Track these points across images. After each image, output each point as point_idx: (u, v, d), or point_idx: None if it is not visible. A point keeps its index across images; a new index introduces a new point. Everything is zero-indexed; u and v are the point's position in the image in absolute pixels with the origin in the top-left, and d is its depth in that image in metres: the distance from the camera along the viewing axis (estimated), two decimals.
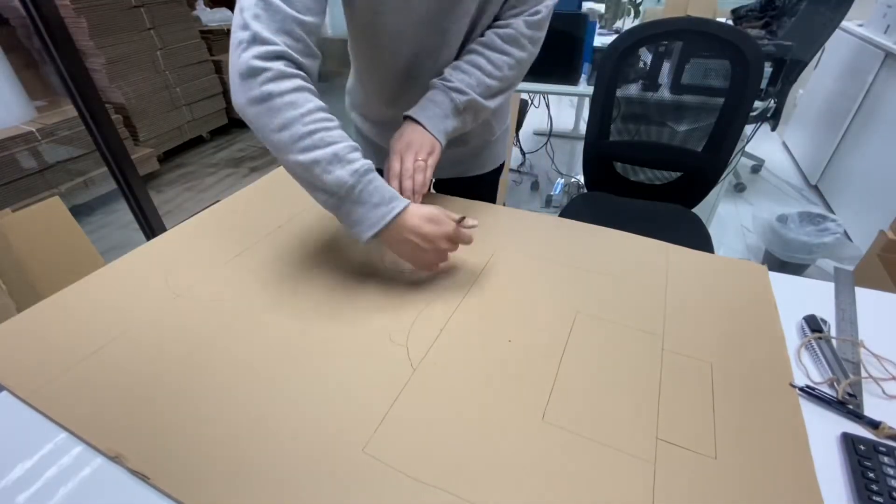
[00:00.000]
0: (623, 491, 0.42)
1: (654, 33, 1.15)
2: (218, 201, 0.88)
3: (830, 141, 2.35)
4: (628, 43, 1.13)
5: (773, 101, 1.96)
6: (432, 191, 0.97)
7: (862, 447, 0.45)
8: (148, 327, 0.59)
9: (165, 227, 1.58)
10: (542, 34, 0.74)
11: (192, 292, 0.65)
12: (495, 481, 0.42)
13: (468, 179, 0.97)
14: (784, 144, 3.01)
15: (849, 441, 0.46)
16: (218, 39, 3.14)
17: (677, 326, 0.60)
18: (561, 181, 2.48)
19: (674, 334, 0.59)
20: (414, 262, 0.65)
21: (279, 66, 0.55)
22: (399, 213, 0.58)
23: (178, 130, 2.99)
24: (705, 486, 0.42)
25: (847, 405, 0.49)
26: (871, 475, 0.42)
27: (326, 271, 0.69)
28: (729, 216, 2.29)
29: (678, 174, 1.23)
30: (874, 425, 0.47)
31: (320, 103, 0.57)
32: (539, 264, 0.71)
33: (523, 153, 2.78)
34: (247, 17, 0.54)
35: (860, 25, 2.36)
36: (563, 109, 3.64)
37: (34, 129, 2.19)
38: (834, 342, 0.57)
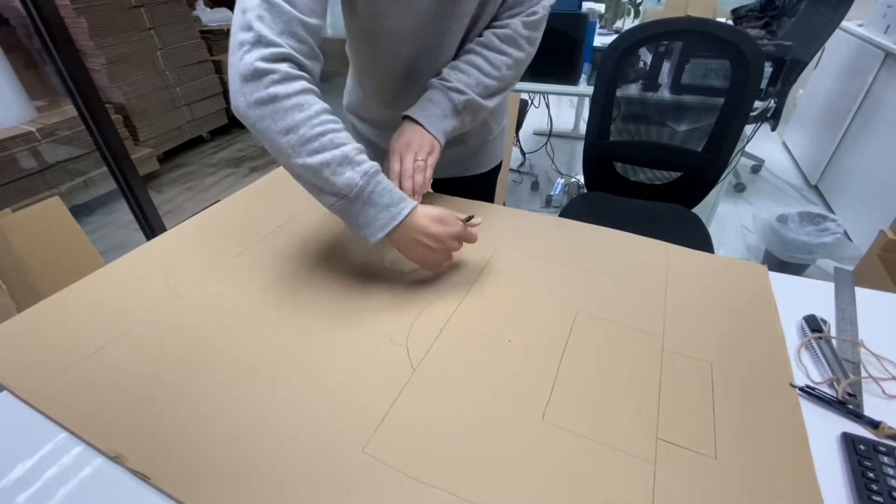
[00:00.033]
0: (623, 491, 0.42)
1: (654, 33, 1.15)
2: (218, 201, 0.88)
3: (830, 141, 2.35)
4: (628, 43, 1.13)
5: (773, 101, 1.96)
6: (430, 190, 0.97)
7: (862, 447, 0.45)
8: (148, 327, 0.59)
9: (165, 227, 1.58)
10: (540, 34, 0.75)
11: (192, 292, 0.65)
12: (495, 481, 0.42)
13: (466, 179, 0.97)
14: (784, 144, 3.01)
15: (849, 441, 0.46)
16: (218, 39, 3.14)
17: (677, 326, 0.60)
18: (561, 181, 2.48)
19: (674, 334, 0.59)
20: (421, 262, 0.64)
21: (284, 67, 0.54)
22: (409, 214, 0.58)
23: (178, 130, 2.99)
24: (705, 486, 0.42)
25: (847, 405, 0.49)
26: (871, 475, 0.42)
27: (326, 271, 0.69)
28: (729, 216, 2.29)
29: (678, 174, 1.23)
30: (874, 425, 0.47)
31: (326, 105, 0.57)
32: (539, 264, 0.71)
33: (523, 153, 2.78)
34: (250, 18, 0.53)
35: (860, 25, 2.36)
36: (563, 109, 3.64)
37: (34, 129, 2.19)
38: (834, 342, 0.57)
